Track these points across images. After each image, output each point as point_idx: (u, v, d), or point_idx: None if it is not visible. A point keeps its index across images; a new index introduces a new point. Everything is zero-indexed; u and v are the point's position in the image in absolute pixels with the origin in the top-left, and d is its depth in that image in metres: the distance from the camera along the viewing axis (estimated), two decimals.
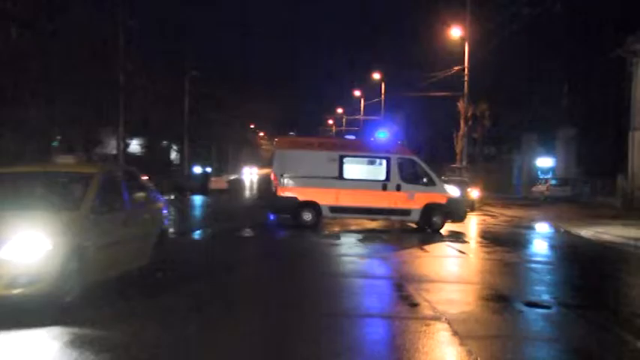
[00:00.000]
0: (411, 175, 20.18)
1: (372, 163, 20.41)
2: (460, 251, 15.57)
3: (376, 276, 11.75)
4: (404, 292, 10.10)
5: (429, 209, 19.85)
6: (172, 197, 35.29)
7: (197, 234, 18.25)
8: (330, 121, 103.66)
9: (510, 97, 49.22)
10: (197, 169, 46.79)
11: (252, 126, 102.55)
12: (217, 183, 41.83)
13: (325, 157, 19.80)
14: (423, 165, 20.51)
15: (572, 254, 16.79)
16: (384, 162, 20.02)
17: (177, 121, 49.33)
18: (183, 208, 28.65)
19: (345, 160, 19.98)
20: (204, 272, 11.27)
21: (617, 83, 37.05)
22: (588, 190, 42.14)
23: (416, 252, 15.44)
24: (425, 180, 20.15)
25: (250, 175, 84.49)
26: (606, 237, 19.55)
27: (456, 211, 20.31)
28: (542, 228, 23.53)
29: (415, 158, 20.63)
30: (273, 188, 19.67)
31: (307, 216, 19.73)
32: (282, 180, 19.64)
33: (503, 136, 51.96)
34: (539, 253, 17.19)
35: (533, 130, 49.98)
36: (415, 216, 19.94)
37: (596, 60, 39.35)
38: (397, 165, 19.97)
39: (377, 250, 15.63)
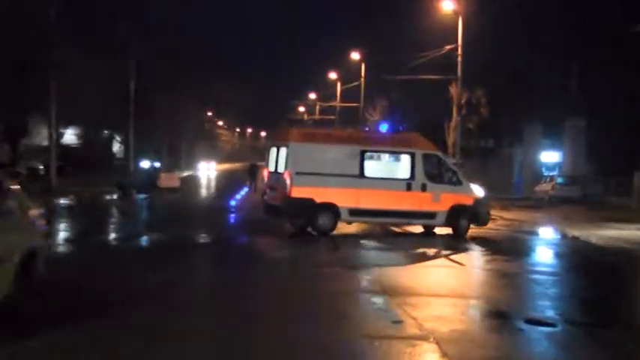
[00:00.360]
0: (436, 173, 20.48)
1: (394, 159, 20.67)
2: (453, 260, 15.68)
3: (355, 288, 11.77)
4: (387, 308, 10.14)
5: (456, 211, 20.25)
6: (114, 197, 35.02)
7: (132, 243, 17.63)
8: (302, 108, 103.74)
9: (511, 83, 49.66)
10: (144, 164, 46.42)
11: (209, 114, 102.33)
12: (168, 180, 41.57)
13: (345, 153, 19.73)
14: (449, 161, 20.95)
15: (580, 263, 16.99)
16: (408, 158, 20.23)
17: (121, 108, 48.89)
18: (125, 210, 28.43)
19: (367, 155, 20.04)
20: (98, 306, 9.60)
21: (636, 63, 37.54)
22: (600, 189, 42.64)
23: (402, 260, 15.50)
24: (452, 179, 20.55)
25: (207, 172, 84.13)
26: (620, 243, 19.85)
27: (481, 213, 20.86)
28: (547, 233, 23.79)
29: (440, 154, 21.00)
30: (286, 188, 19.23)
31: (325, 220, 19.50)
32: (296, 178, 19.21)
33: (503, 126, 52.41)
34: (543, 262, 17.38)
35: (536, 120, 50.47)
36: (441, 219, 20.31)
37: (608, 38, 39.83)
38: (422, 161, 20.22)
39: (356, 257, 15.66)
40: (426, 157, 20.35)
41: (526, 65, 50.31)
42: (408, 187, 20.01)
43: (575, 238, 21.47)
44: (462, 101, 39.56)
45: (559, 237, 22.45)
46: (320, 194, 19.36)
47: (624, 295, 12.84)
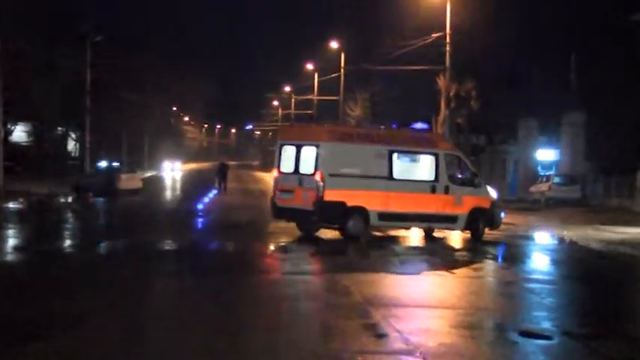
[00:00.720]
0: (457, 174, 21.43)
1: (419, 160, 21.36)
2: (441, 267, 15.74)
3: (333, 299, 11.79)
4: (369, 320, 10.19)
5: (475, 215, 21.16)
6: (69, 200, 34.82)
7: (88, 251, 17.24)
8: (275, 102, 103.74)
9: (504, 74, 49.91)
10: (102, 164, 46.15)
11: (174, 109, 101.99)
12: (129, 181, 41.36)
13: (374, 152, 20.26)
14: (468, 162, 22.01)
15: (579, 271, 17.17)
16: (433, 159, 21.02)
17: (77, 102, 48.58)
18: (81, 214, 28.27)
19: (394, 156, 20.60)
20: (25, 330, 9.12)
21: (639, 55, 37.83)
22: (600, 189, 42.93)
23: (385, 268, 15.55)
24: (472, 180, 21.53)
25: (172, 172, 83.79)
26: (620, 248, 20.05)
27: (496, 216, 21.91)
28: (543, 238, 23.98)
29: (461, 154, 22.10)
30: (319, 190, 19.47)
31: (355, 225, 19.92)
32: (329, 180, 19.50)
33: (495, 122, 52.65)
34: (539, 269, 17.53)
35: (532, 115, 50.76)
36: (461, 223, 21.21)
37: (610, 29, 40.13)
38: (445, 163, 21.07)
39: (334, 265, 15.68)
40: (448, 157, 21.24)
41: (521, 56, 50.58)
42: (433, 190, 20.78)
43: (573, 243, 21.68)
44: (451, 94, 39.81)
45: (556, 242, 22.64)
46: (351, 197, 19.76)
47: (625, 304, 13.01)
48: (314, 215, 19.69)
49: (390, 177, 20.25)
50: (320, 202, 19.44)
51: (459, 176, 21.43)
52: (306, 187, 19.73)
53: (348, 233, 19.84)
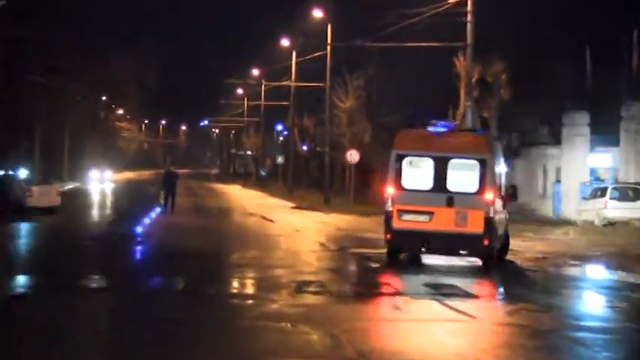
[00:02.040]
0: (509, 186, 24.26)
1: (501, 173, 23.29)
2: (460, 311, 15.75)
3: (319, 354, 11.81)
4: None
5: (507, 231, 23.86)
6: None
7: None
8: (240, 90, 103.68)
9: (543, 54, 50.06)
10: (5, 173, 45.95)
11: (103, 98, 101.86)
12: (43, 196, 41.18)
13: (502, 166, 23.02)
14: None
15: None
16: (504, 171, 23.63)
17: None
18: None
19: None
20: None
21: None
22: None
23: (386, 311, 15.58)
24: (514, 193, 24.50)
25: (102, 184, 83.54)
26: None
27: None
28: (595, 272, 24.05)
29: None
30: (489, 213, 21.06)
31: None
32: (497, 201, 21.72)
33: (532, 116, 52.79)
34: (590, 313, 17.54)
35: (581, 107, 50.91)
36: (502, 241, 23.64)
37: None
38: (506, 174, 23.77)
39: (319, 307, 15.72)
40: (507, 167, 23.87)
41: (567, 30, 50.74)
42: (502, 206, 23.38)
43: (636, 279, 21.78)
44: (473, 79, 39.86)
45: (613, 277, 22.73)
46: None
47: None
48: (483, 240, 20.94)
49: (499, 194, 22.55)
50: (491, 225, 21.01)
51: (507, 188, 23.93)
52: (462, 207, 21.05)
53: (492, 259, 21.90)
